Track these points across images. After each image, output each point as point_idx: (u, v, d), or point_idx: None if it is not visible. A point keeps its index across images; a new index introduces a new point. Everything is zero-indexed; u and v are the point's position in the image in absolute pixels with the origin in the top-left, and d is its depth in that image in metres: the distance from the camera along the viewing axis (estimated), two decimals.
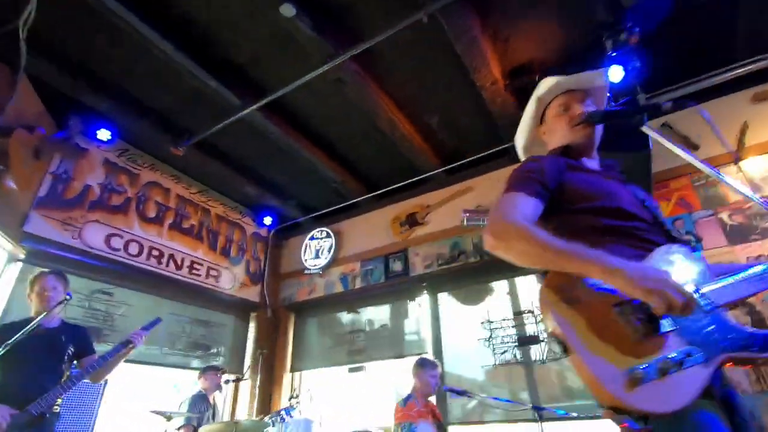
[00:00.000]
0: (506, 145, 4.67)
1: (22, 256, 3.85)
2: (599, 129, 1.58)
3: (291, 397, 4.15)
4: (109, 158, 4.66)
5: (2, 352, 2.32)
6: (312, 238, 6.22)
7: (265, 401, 5.48)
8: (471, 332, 4.78)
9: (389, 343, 5.27)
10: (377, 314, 5.54)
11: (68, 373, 2.69)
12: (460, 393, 3.49)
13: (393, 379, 5.20)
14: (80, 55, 3.73)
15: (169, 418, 3.47)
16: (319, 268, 5.93)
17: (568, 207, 1.35)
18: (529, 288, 4.62)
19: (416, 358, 4.94)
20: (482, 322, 4.73)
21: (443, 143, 4.97)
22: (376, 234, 5.72)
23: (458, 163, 5.02)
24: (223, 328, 5.66)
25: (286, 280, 6.34)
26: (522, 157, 1.86)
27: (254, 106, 4.08)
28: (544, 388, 4.12)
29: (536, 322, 4.39)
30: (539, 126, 1.74)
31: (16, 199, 3.67)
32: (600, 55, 3.37)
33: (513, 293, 4.70)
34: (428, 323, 5.06)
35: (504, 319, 4.60)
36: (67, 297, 2.60)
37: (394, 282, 5.34)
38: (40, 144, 3.63)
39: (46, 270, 2.90)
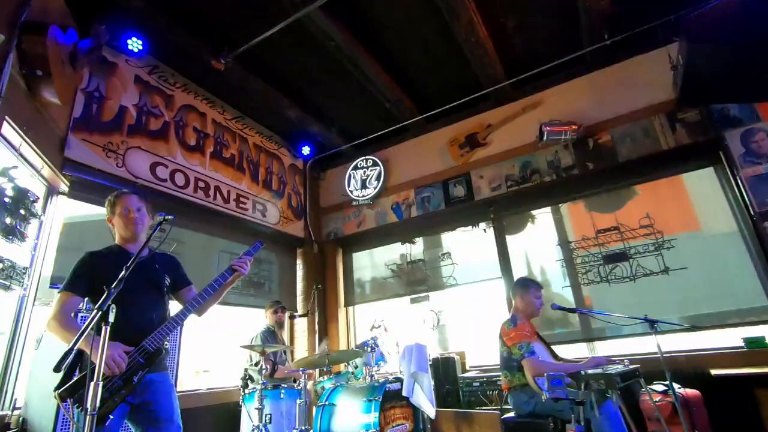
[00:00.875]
0: (586, 50, 4.19)
1: (65, 188, 3.35)
2: None
3: (373, 327, 3.95)
4: (140, 75, 4.02)
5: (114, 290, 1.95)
6: (356, 168, 5.77)
7: (322, 336, 5.31)
8: (546, 255, 4.57)
9: (452, 271, 5.05)
10: (437, 243, 5.27)
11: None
12: (570, 311, 3.29)
13: (457, 307, 5.04)
14: None
15: (263, 352, 3.22)
16: (368, 199, 5.54)
17: None
18: (612, 205, 4.35)
19: (489, 283, 4.79)
20: (559, 244, 4.50)
21: (513, 50, 4.43)
22: (430, 158, 5.30)
23: (528, 73, 4.51)
24: (272, 266, 5.34)
25: (329, 214, 5.96)
26: None
27: (316, 4, 3.46)
28: (637, 305, 3.97)
29: (622, 239, 4.17)
30: None
31: (53, 117, 3.10)
32: None
33: (593, 211, 4.43)
34: (496, 248, 4.82)
35: (584, 239, 4.36)
36: (170, 217, 2.17)
37: (457, 208, 5.01)
38: (75, 50, 3.00)
39: (123, 189, 2.44)
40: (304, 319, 5.22)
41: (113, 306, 1.64)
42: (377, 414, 3.02)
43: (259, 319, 4.66)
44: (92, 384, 1.50)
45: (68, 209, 3.39)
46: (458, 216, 5.07)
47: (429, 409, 2.79)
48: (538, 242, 4.65)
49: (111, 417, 1.92)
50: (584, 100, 4.45)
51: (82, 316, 2.57)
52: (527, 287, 3.30)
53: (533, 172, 4.61)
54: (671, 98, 3.97)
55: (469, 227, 5.08)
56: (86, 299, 2.22)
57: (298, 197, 5.80)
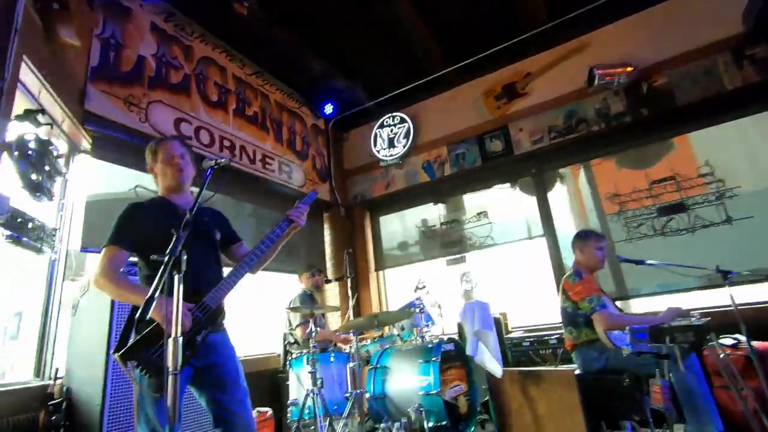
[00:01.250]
0: None
1: (87, 146, 3.08)
2: None
3: (417, 288, 3.76)
4: (157, 23, 3.67)
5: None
6: (382, 126, 5.46)
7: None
8: (593, 210, 4.32)
9: (489, 231, 4.82)
10: (473, 201, 5.01)
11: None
12: (637, 262, 3.07)
13: (495, 268, 4.84)
14: None
15: (311, 314, 3.04)
16: (397, 158, 5.26)
17: None
18: (666, 154, 4.06)
19: (529, 242, 4.58)
20: (607, 198, 4.25)
21: None
22: (463, 112, 4.98)
23: (573, 13, 4.13)
24: (299, 231, 5.10)
25: (355, 176, 5.69)
26: None
27: None
28: (696, 258, 3.75)
29: (678, 190, 3.91)
30: None
31: (71, 63, 2.80)
32: None
33: (645, 161, 4.16)
34: (537, 205, 4.57)
35: (635, 191, 4.10)
36: (222, 160, 1.90)
37: (495, 163, 4.73)
38: None
39: (164, 136, 2.18)
40: (334, 285, 5.05)
41: (184, 252, 1.41)
42: (437, 375, 2.85)
43: (285, 284, 4.48)
44: (171, 340, 1.29)
45: (90, 187, 3.13)
46: (496, 172, 4.80)
47: (495, 369, 2.64)
48: (584, 197, 4.40)
49: None
50: (636, 40, 4.09)
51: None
52: (586, 239, 3.08)
53: (579, 121, 4.30)
54: (738, 32, 3.62)
55: (508, 184, 4.81)
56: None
57: (321, 159, 5.52)
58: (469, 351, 2.70)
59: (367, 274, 5.33)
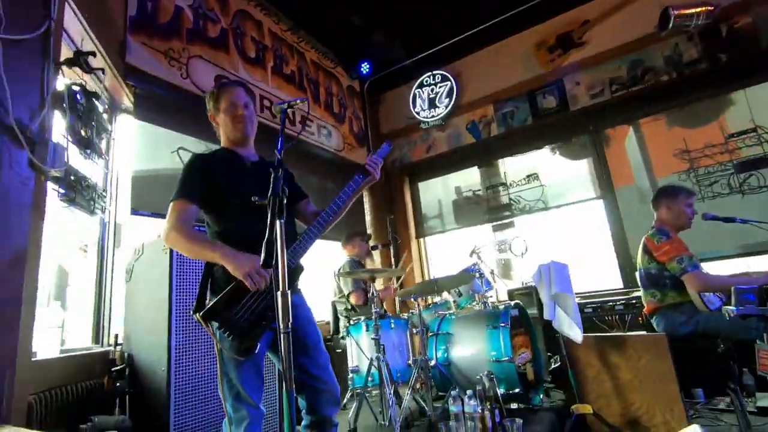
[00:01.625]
0: None
1: (130, 105, 2.90)
2: None
3: (473, 252, 3.56)
4: None
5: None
6: (422, 86, 5.15)
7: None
8: (660, 168, 3.99)
9: (540, 194, 4.55)
10: (522, 163, 4.73)
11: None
12: (727, 220, 2.79)
13: (547, 233, 4.60)
14: None
15: (373, 279, 2.88)
16: (439, 119, 4.98)
17: None
18: (747, 104, 3.69)
19: (584, 205, 4.31)
20: (676, 153, 3.92)
21: None
22: (512, 67, 4.64)
23: None
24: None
25: (392, 141, 5.41)
26: None
27: None
28: None
29: (760, 142, 3.57)
30: None
31: (111, 11, 2.58)
32: None
33: (720, 111, 3.80)
34: (592, 165, 4.27)
35: (708, 146, 3.77)
36: (297, 101, 1.69)
37: (547, 121, 4.41)
38: None
39: (227, 79, 1.97)
40: (376, 254, 4.89)
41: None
42: (507, 341, 2.68)
43: (325, 252, 4.32)
44: (279, 294, 1.12)
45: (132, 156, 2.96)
46: (548, 131, 4.48)
47: (575, 334, 2.45)
48: (650, 154, 4.07)
49: (258, 345, 1.57)
50: None
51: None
52: (675, 195, 2.81)
53: (646, 71, 3.93)
54: None
55: (561, 143, 4.50)
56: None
57: (358, 122, 5.27)
58: (546, 315, 2.52)
59: (408, 242, 5.15)
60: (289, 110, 1.69)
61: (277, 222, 1.20)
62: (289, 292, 1.67)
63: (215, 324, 1.50)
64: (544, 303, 2.58)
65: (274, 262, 1.17)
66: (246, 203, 1.74)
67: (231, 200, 1.72)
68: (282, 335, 1.08)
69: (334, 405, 1.79)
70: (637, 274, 2.87)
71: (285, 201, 1.39)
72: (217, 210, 1.74)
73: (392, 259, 4.82)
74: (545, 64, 4.45)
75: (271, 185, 1.27)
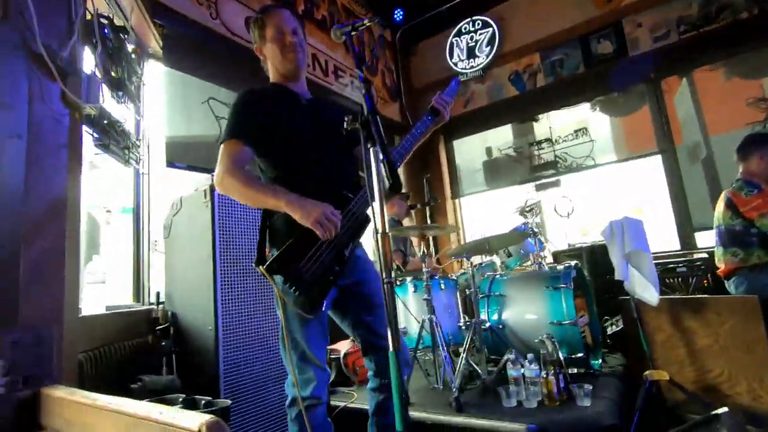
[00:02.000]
0: None
1: (158, 48, 2.66)
2: None
3: (524, 210, 3.33)
4: None
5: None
6: (460, 34, 4.76)
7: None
8: (732, 121, 3.62)
9: (589, 150, 4.22)
10: (571, 117, 4.37)
11: None
12: None
13: (596, 192, 4.31)
14: None
15: (422, 236, 2.69)
16: (478, 70, 4.61)
17: None
18: None
19: (639, 162, 3.99)
20: (751, 102, 3.53)
21: None
22: (561, 9, 4.20)
23: None
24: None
25: (427, 95, 5.09)
26: None
27: None
28: None
29: None
30: None
31: None
32: None
33: None
34: (651, 117, 3.91)
35: None
36: (366, 22, 1.43)
37: (602, 69, 4.02)
38: None
39: (268, 4, 1.71)
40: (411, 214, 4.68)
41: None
42: (571, 303, 2.49)
43: None
44: (379, 235, 0.92)
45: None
46: (602, 81, 4.09)
47: (650, 296, 2.24)
48: (721, 105, 3.68)
49: (325, 303, 1.40)
50: None
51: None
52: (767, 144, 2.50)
53: (722, 8, 3.49)
54: None
55: (616, 94, 4.12)
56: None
57: (391, 75, 4.94)
58: (618, 275, 2.30)
59: (444, 203, 4.92)
60: (353, 33, 1.45)
61: (371, 150, 0.98)
62: (352, 244, 1.49)
63: (280, 278, 1.32)
64: (615, 263, 2.35)
65: (369, 192, 0.97)
66: (306, 146, 1.53)
67: (290, 142, 1.51)
68: (386, 285, 0.89)
69: (406, 367, 1.64)
70: (715, 231, 2.61)
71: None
72: (273, 153, 1.53)
73: (428, 221, 4.60)
74: (601, 4, 4.01)
75: (363, 103, 1.04)
